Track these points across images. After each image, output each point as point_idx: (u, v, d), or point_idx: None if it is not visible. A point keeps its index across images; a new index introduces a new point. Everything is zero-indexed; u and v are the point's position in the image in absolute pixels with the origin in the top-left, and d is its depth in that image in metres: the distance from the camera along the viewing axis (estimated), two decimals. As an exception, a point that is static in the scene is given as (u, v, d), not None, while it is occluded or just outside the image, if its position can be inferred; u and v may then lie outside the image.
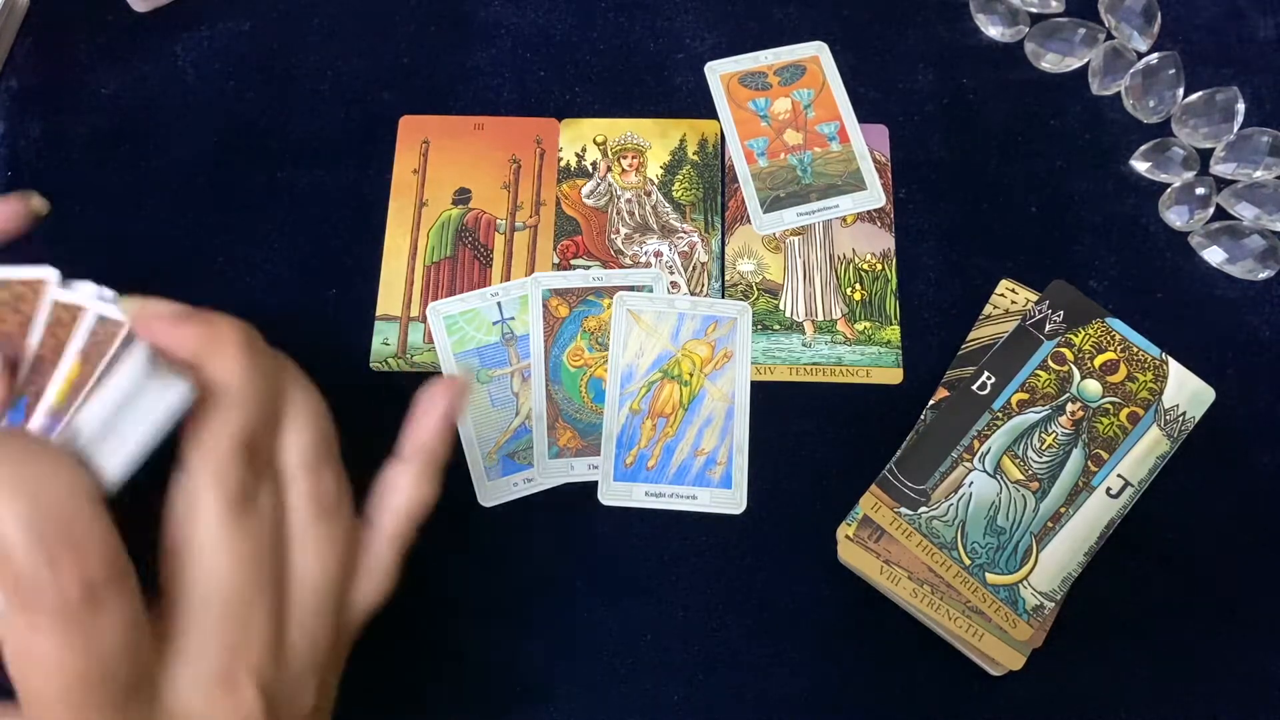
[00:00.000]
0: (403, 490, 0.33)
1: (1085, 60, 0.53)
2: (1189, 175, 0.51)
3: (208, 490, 0.27)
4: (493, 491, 0.46)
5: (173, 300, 0.30)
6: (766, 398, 0.47)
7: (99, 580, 0.25)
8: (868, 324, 0.49)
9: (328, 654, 0.31)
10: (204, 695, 0.27)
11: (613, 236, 0.50)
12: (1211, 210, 0.50)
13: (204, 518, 0.27)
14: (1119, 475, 0.44)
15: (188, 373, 0.27)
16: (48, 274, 0.31)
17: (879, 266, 0.50)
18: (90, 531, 0.25)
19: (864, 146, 0.52)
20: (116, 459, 0.26)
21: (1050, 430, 0.44)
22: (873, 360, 0.48)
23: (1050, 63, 0.53)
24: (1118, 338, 0.46)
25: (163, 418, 0.27)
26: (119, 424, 0.26)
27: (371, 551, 0.32)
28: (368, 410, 0.47)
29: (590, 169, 0.52)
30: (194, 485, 0.27)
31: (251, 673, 0.28)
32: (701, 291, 0.49)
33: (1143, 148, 0.51)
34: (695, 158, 0.52)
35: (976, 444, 0.44)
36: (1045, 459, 0.44)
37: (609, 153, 0.52)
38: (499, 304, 0.49)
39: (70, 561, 0.24)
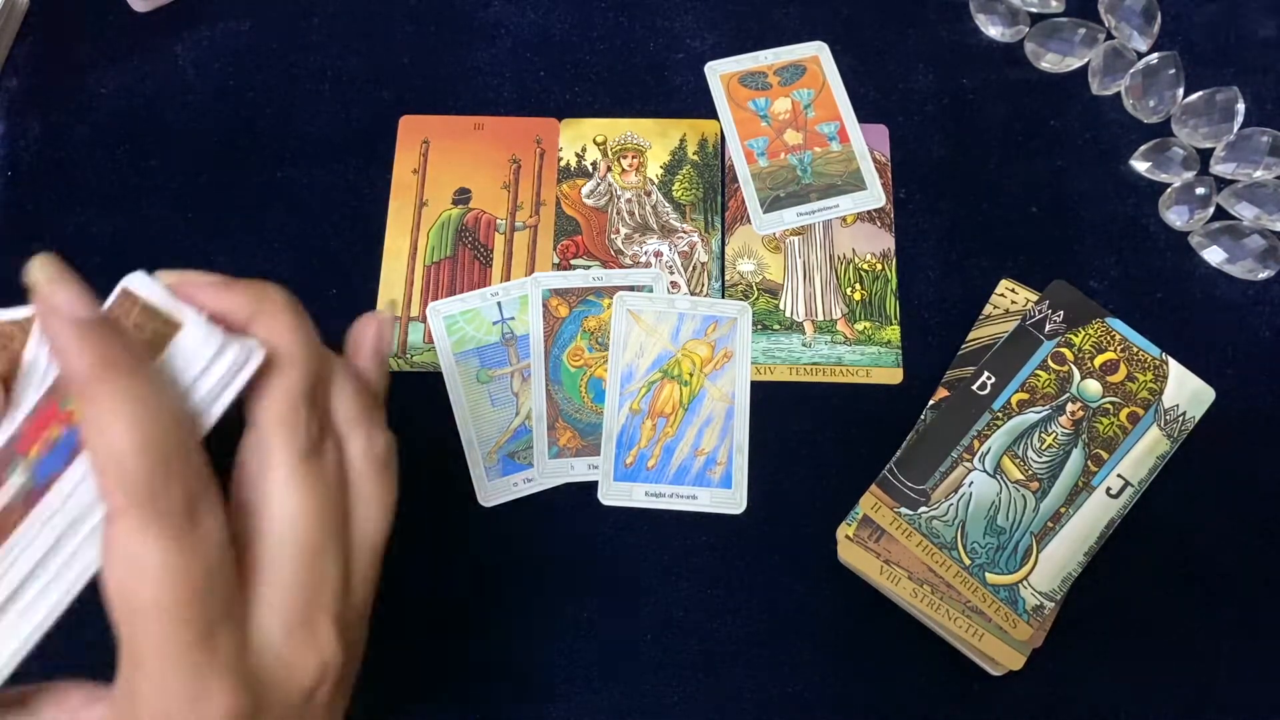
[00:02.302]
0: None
1: (1085, 60, 0.53)
2: (1189, 175, 0.51)
3: (279, 443, 0.28)
4: (493, 491, 0.46)
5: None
6: (766, 398, 0.47)
7: (198, 492, 0.26)
8: (868, 324, 0.49)
9: (372, 604, 0.32)
10: (286, 636, 0.28)
11: (613, 236, 0.50)
12: (1211, 210, 0.50)
13: (277, 469, 0.28)
14: (1119, 475, 0.44)
15: (244, 336, 0.28)
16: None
17: (879, 266, 0.50)
18: (188, 447, 0.26)
19: (864, 146, 0.52)
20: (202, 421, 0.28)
21: (1050, 430, 0.44)
22: (873, 360, 0.48)
23: (1050, 63, 0.53)
24: (1118, 338, 0.46)
25: (236, 380, 0.28)
26: (193, 392, 0.27)
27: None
28: (368, 410, 0.47)
29: (590, 169, 0.52)
30: (265, 440, 0.28)
31: (328, 615, 0.29)
32: (701, 291, 0.49)
33: (1143, 148, 0.51)
34: (695, 158, 0.52)
35: (976, 444, 0.44)
36: (1045, 459, 0.44)
37: (609, 153, 0.52)
38: (499, 304, 0.49)
39: (175, 471, 0.26)
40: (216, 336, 0.28)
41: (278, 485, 0.28)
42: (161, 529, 0.25)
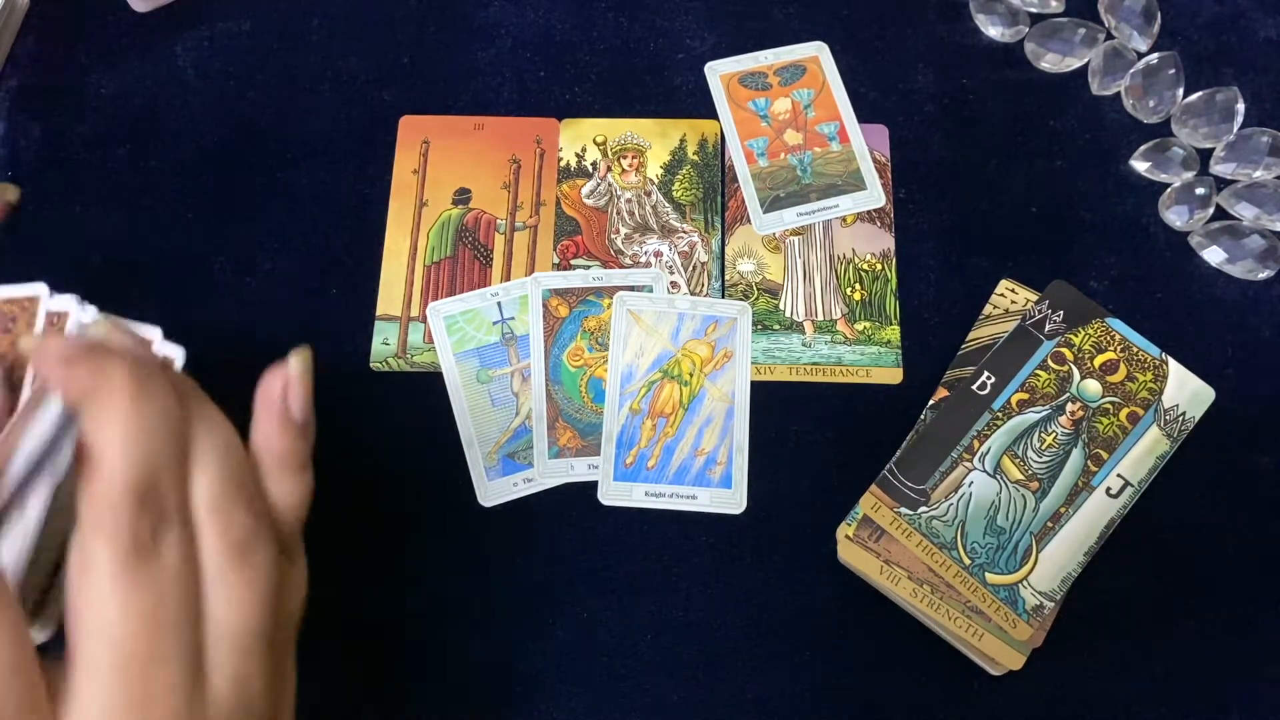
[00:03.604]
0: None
1: (1085, 60, 0.53)
2: (1189, 175, 0.51)
3: (97, 543, 0.26)
4: (493, 491, 0.46)
5: (122, 319, 0.31)
6: (766, 398, 0.47)
7: None
8: (868, 324, 0.49)
9: (264, 688, 0.29)
10: None
11: (613, 236, 0.50)
12: (1211, 210, 0.50)
13: (95, 572, 0.26)
14: (1119, 475, 0.44)
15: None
16: (39, 290, 0.31)
17: (879, 266, 0.50)
18: None
19: (864, 146, 0.52)
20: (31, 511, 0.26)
21: (1050, 430, 0.44)
22: (873, 360, 0.48)
23: (1050, 63, 0.53)
24: (1118, 338, 0.46)
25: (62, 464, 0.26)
26: (35, 477, 0.26)
27: None
28: (368, 410, 0.47)
29: (590, 169, 0.52)
30: (84, 539, 0.26)
31: None
32: (701, 291, 0.49)
33: (1143, 148, 0.51)
34: (695, 158, 0.52)
35: (976, 444, 0.44)
36: (1045, 459, 0.44)
37: (609, 153, 0.52)
38: (499, 304, 0.49)
39: None
40: (65, 423, 0.26)
41: (95, 589, 0.26)
42: None
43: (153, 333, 0.33)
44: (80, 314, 0.30)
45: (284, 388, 0.31)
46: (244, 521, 0.28)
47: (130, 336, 0.30)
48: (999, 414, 0.45)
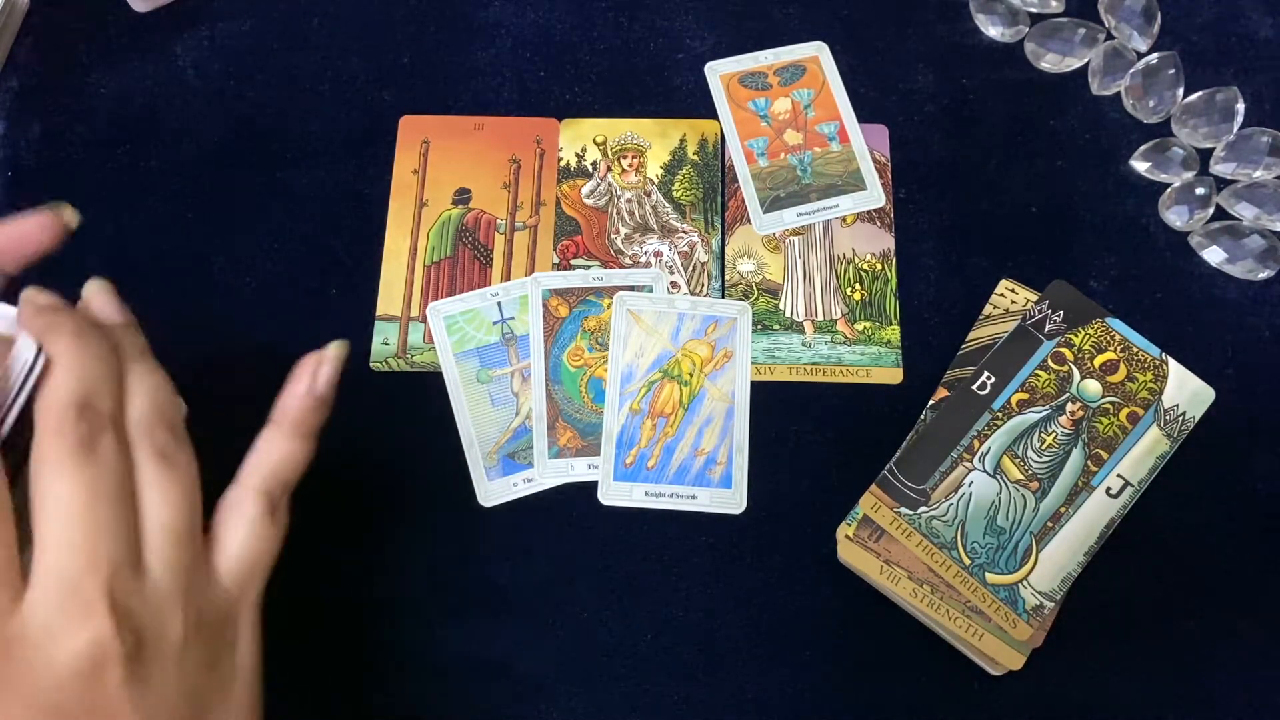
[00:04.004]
0: (264, 448, 0.36)
1: (1085, 60, 0.53)
2: (1189, 175, 0.51)
3: (47, 439, 0.31)
4: (493, 491, 0.46)
5: (121, 301, 0.36)
6: (766, 398, 0.47)
7: None
8: (868, 324, 0.49)
9: (203, 586, 0.33)
10: (56, 609, 0.30)
11: (613, 236, 0.50)
12: (1211, 210, 0.50)
13: (47, 462, 0.31)
14: (1119, 475, 0.44)
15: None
16: None
17: (879, 266, 0.50)
18: None
19: (864, 146, 0.52)
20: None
21: (1050, 430, 0.44)
22: (873, 360, 0.48)
23: (1050, 63, 0.53)
24: (1118, 338, 0.46)
25: (27, 383, 0.32)
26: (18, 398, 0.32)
27: (236, 505, 0.35)
28: (368, 410, 0.47)
29: (590, 169, 0.52)
30: (38, 441, 0.31)
31: (103, 591, 0.30)
32: (701, 291, 0.49)
33: (1143, 148, 0.51)
34: (695, 158, 0.52)
35: (976, 444, 0.44)
36: (1045, 459, 0.44)
37: (609, 153, 0.52)
38: (499, 304, 0.49)
39: None
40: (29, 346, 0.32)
41: (47, 480, 0.31)
42: None
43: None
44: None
45: (317, 364, 0.37)
46: (167, 436, 0.33)
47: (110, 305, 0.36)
48: (999, 414, 0.45)
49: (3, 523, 0.30)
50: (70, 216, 0.37)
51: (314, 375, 0.37)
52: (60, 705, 0.30)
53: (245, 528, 0.34)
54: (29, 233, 0.36)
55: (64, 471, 0.31)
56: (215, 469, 0.35)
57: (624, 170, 0.52)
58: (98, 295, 0.36)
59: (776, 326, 0.48)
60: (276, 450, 0.36)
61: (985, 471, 0.44)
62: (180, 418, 0.35)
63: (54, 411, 0.31)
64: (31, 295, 0.34)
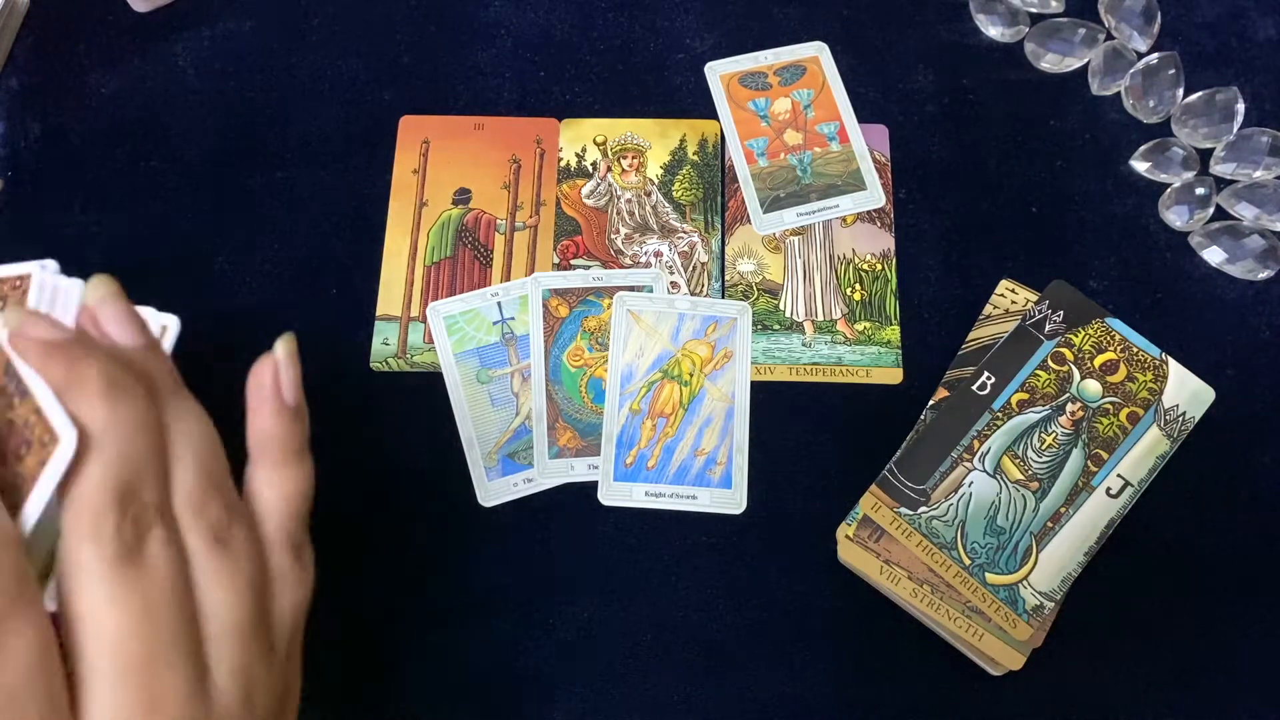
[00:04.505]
0: (260, 491, 0.31)
1: (1085, 60, 0.53)
2: (1189, 175, 0.51)
3: (84, 550, 0.26)
4: (493, 491, 0.46)
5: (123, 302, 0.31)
6: (766, 398, 0.47)
7: (2, 608, 0.24)
8: (868, 324, 0.49)
9: (265, 676, 0.29)
10: None
11: (613, 236, 0.50)
12: (1211, 210, 0.50)
13: (86, 578, 0.26)
14: (1119, 475, 0.44)
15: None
16: (31, 268, 0.30)
17: (879, 266, 0.50)
18: (4, 546, 0.24)
19: (864, 146, 0.52)
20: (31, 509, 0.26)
21: (1050, 430, 0.44)
22: (873, 360, 0.48)
23: (1050, 63, 0.53)
24: (1118, 338, 0.46)
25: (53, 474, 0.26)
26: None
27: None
28: (368, 410, 0.47)
29: (590, 169, 0.52)
30: (70, 544, 0.26)
31: None
32: (701, 291, 0.49)
33: (1143, 148, 0.51)
34: (695, 158, 0.52)
35: (976, 444, 0.44)
36: (1045, 459, 0.44)
37: (609, 153, 0.52)
38: (499, 304, 0.49)
39: None
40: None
41: (89, 598, 0.26)
42: None
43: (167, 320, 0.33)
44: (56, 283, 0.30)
45: (274, 373, 0.31)
46: (219, 510, 0.28)
47: (119, 313, 0.30)
48: (999, 414, 0.45)
49: (47, 656, 0.25)
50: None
51: (275, 388, 0.31)
52: None
53: (285, 582, 0.30)
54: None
55: (110, 592, 0.26)
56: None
57: (624, 170, 0.52)
58: (108, 306, 0.30)
59: (776, 326, 0.48)
60: (273, 490, 0.31)
61: (985, 471, 0.44)
62: (227, 469, 0.30)
63: (88, 510, 0.26)
64: (29, 326, 0.27)
